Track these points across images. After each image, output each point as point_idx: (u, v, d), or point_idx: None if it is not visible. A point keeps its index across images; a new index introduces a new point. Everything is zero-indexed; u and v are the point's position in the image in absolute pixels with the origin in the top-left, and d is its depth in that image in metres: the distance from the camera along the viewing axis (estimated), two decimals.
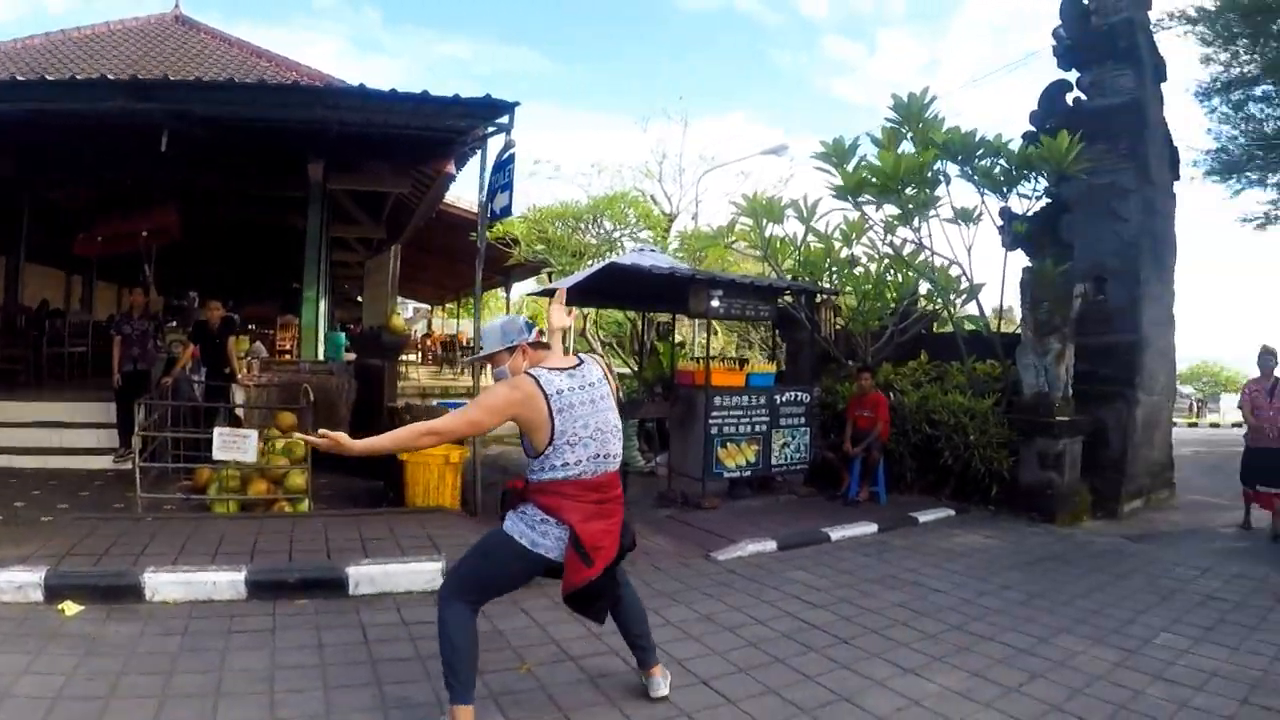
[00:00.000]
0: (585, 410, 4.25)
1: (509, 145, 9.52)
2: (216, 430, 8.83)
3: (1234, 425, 32.60)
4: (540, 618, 6.06)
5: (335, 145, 11.35)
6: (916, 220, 12.55)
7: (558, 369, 4.31)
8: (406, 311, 40.45)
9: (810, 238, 13.79)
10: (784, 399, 11.42)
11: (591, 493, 4.26)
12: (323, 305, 13.26)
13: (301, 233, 12.84)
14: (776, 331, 14.23)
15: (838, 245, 13.72)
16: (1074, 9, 13.14)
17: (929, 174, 12.03)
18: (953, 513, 10.88)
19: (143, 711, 4.33)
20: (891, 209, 12.76)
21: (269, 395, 10.98)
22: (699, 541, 8.81)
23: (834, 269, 13.77)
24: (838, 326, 14.80)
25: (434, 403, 15.94)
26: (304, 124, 10.37)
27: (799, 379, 12.51)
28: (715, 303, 10.69)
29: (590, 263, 17.27)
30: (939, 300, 13.13)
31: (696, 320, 19.29)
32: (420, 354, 32.35)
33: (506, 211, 9.77)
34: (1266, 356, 10.82)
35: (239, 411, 10.74)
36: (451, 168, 13.34)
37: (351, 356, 14.85)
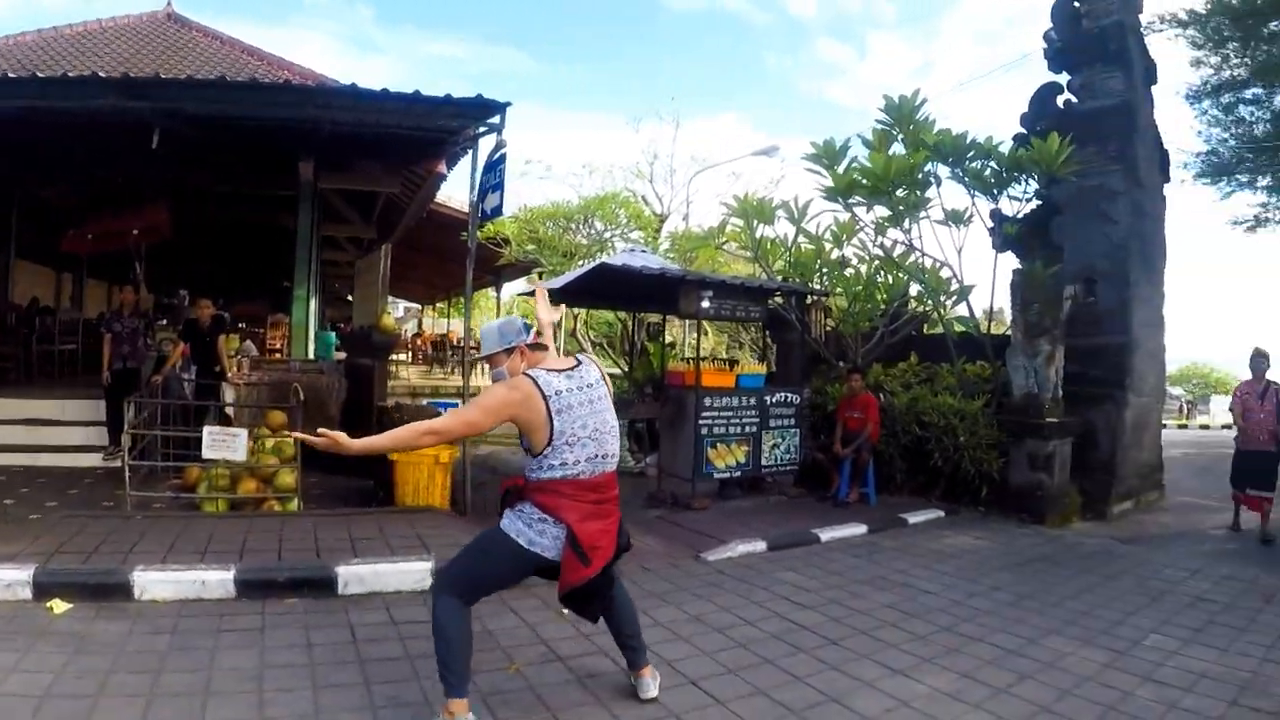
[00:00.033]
0: (583, 411, 4.27)
1: (500, 145, 9.53)
2: (206, 429, 8.83)
3: (1223, 427, 32.74)
4: (530, 618, 6.05)
5: (326, 144, 11.35)
6: (907, 222, 12.54)
7: (556, 370, 4.33)
8: (397, 311, 40.39)
9: (801, 239, 13.78)
10: (774, 400, 11.43)
11: (590, 493, 4.28)
12: (313, 304, 13.23)
13: (292, 232, 12.85)
14: (767, 332, 14.21)
15: (828, 246, 13.71)
16: (1065, 12, 13.16)
17: (920, 176, 12.01)
18: (942, 514, 10.90)
19: (131, 710, 4.33)
20: (882, 210, 12.76)
21: (259, 394, 11.02)
22: (689, 542, 8.81)
23: (824, 270, 13.75)
24: (828, 328, 14.80)
25: (424, 402, 15.92)
26: (295, 123, 10.37)
27: (789, 380, 12.53)
28: (706, 303, 10.70)
29: (581, 263, 17.27)
30: (929, 302, 13.13)
31: (687, 321, 19.29)
32: (411, 353, 32.32)
33: (497, 211, 9.78)
34: (1259, 359, 10.85)
35: (229, 410, 10.71)
36: (443, 167, 13.36)
37: (342, 355, 14.80)
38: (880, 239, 13.34)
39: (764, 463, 11.35)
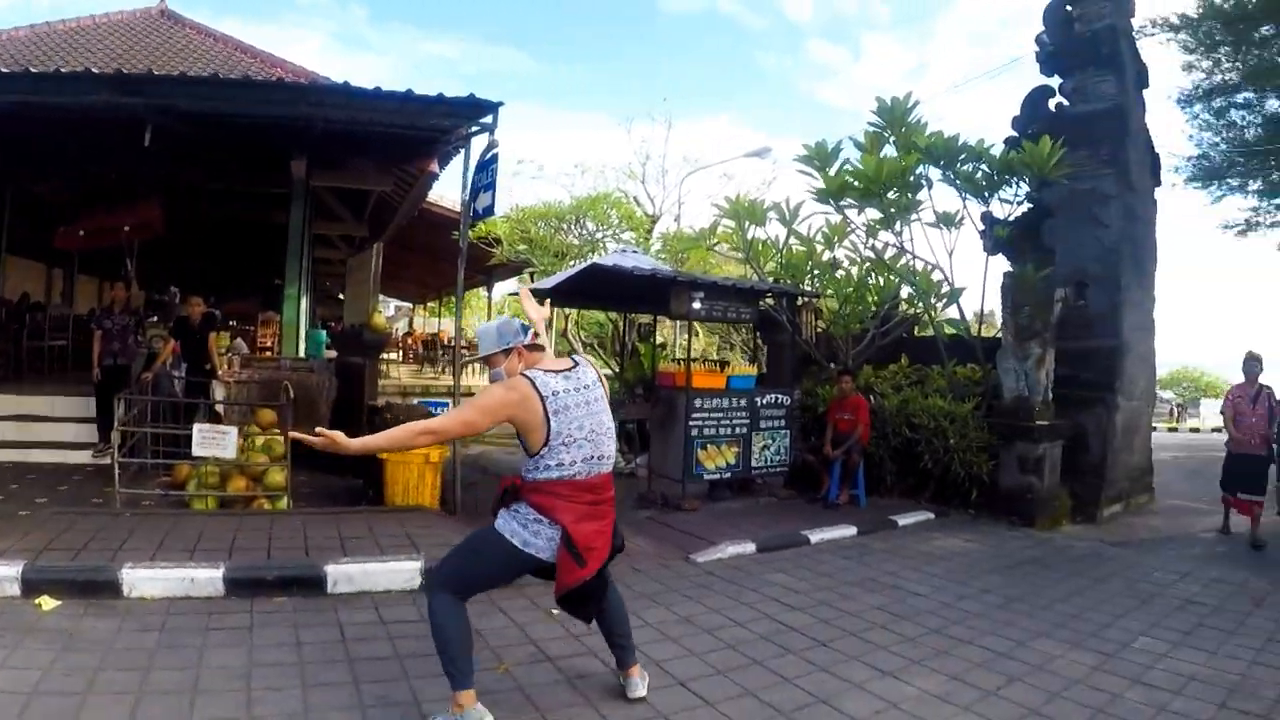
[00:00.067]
0: (580, 412, 4.28)
1: (492, 145, 9.50)
2: (196, 426, 8.80)
3: (1214, 430, 32.77)
4: (519, 618, 6.04)
5: (319, 142, 11.32)
6: (898, 224, 12.55)
7: (553, 371, 4.34)
8: (388, 310, 40.36)
9: (792, 240, 13.77)
10: (764, 401, 11.42)
11: (585, 493, 4.29)
12: (304, 302, 13.24)
13: (284, 229, 12.83)
14: (758, 334, 14.23)
15: (819, 248, 13.71)
16: (1057, 15, 13.19)
17: (911, 178, 12.03)
18: (932, 516, 10.91)
19: (120, 707, 4.32)
20: (873, 212, 12.77)
21: (249, 392, 10.99)
22: (678, 543, 8.79)
23: (815, 272, 13.75)
24: (819, 329, 14.80)
25: (415, 401, 15.89)
26: (288, 120, 10.34)
27: (780, 381, 12.50)
28: (696, 305, 10.68)
29: (573, 263, 17.24)
30: (920, 304, 13.13)
31: (678, 322, 19.31)
32: (401, 352, 32.27)
33: (489, 211, 9.75)
34: (1252, 362, 10.85)
35: (219, 408, 10.66)
36: (435, 166, 13.32)
37: (332, 354, 14.76)
38: (871, 241, 13.36)
39: (754, 464, 11.34)
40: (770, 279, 13.79)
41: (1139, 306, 12.63)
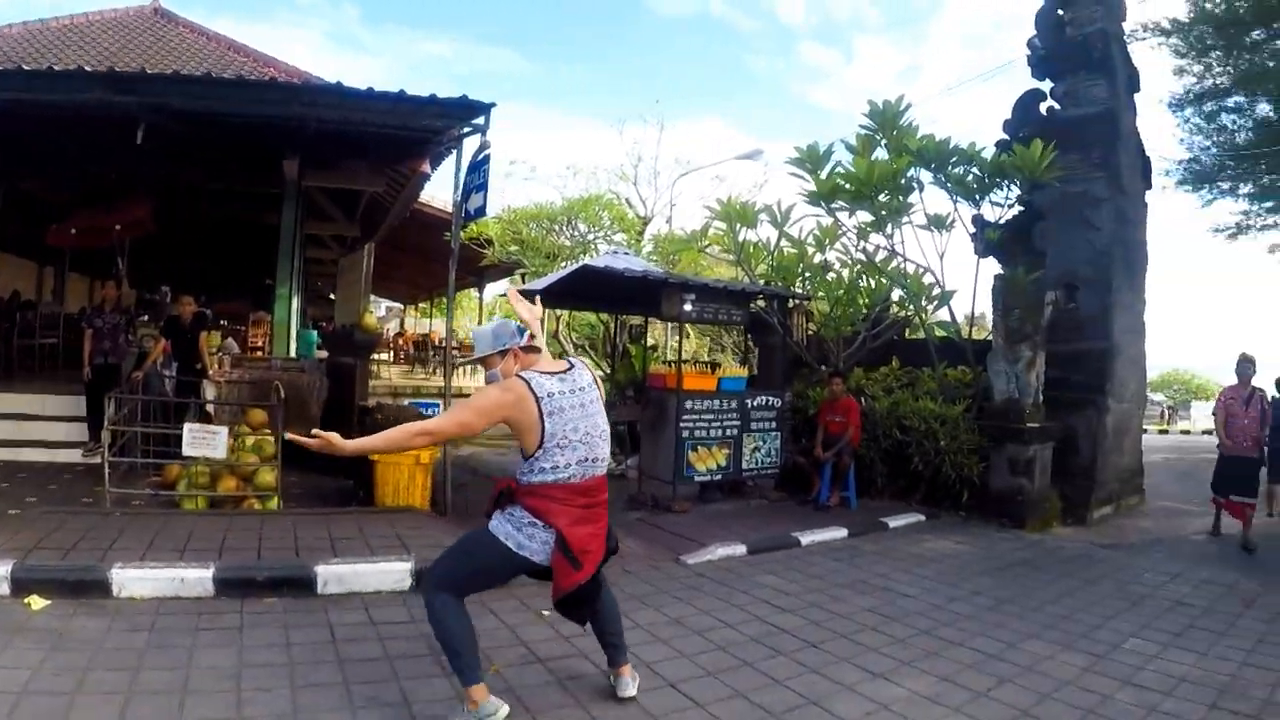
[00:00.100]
0: (575, 414, 4.29)
1: (484, 146, 9.51)
2: (186, 426, 8.81)
3: (1204, 432, 32.86)
4: (509, 619, 6.03)
5: (311, 142, 11.30)
6: (889, 226, 12.57)
7: (549, 373, 4.35)
8: (379, 310, 40.24)
9: (783, 243, 13.79)
10: (755, 403, 11.42)
11: (579, 496, 4.30)
12: (295, 302, 13.21)
13: (276, 229, 12.82)
14: (749, 336, 14.22)
15: (811, 251, 13.73)
16: (1049, 19, 13.21)
17: (902, 181, 12.03)
18: (923, 518, 10.91)
19: (109, 707, 4.31)
20: (865, 215, 12.80)
21: (240, 392, 10.99)
22: (669, 545, 8.79)
23: (807, 274, 13.77)
24: (810, 332, 14.81)
25: (405, 402, 15.90)
26: (281, 120, 10.33)
27: (771, 383, 12.49)
28: (688, 306, 10.69)
29: (564, 264, 17.28)
30: (911, 306, 13.15)
31: (669, 323, 19.29)
32: (392, 353, 32.19)
33: (481, 212, 9.75)
34: (1245, 364, 10.86)
35: (209, 407, 10.64)
36: (427, 167, 13.33)
37: (323, 354, 14.76)
38: (863, 243, 13.40)
39: (745, 466, 11.34)
40: (761, 281, 13.81)
41: (1130, 309, 12.66)
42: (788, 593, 7.27)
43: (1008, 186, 12.33)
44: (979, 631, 6.36)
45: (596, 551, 4.36)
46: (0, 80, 9.23)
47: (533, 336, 4.70)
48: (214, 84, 10.10)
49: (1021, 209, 12.77)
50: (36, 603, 5.73)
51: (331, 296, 28.27)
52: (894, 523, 10.47)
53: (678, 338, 16.12)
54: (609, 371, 16.60)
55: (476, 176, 9.52)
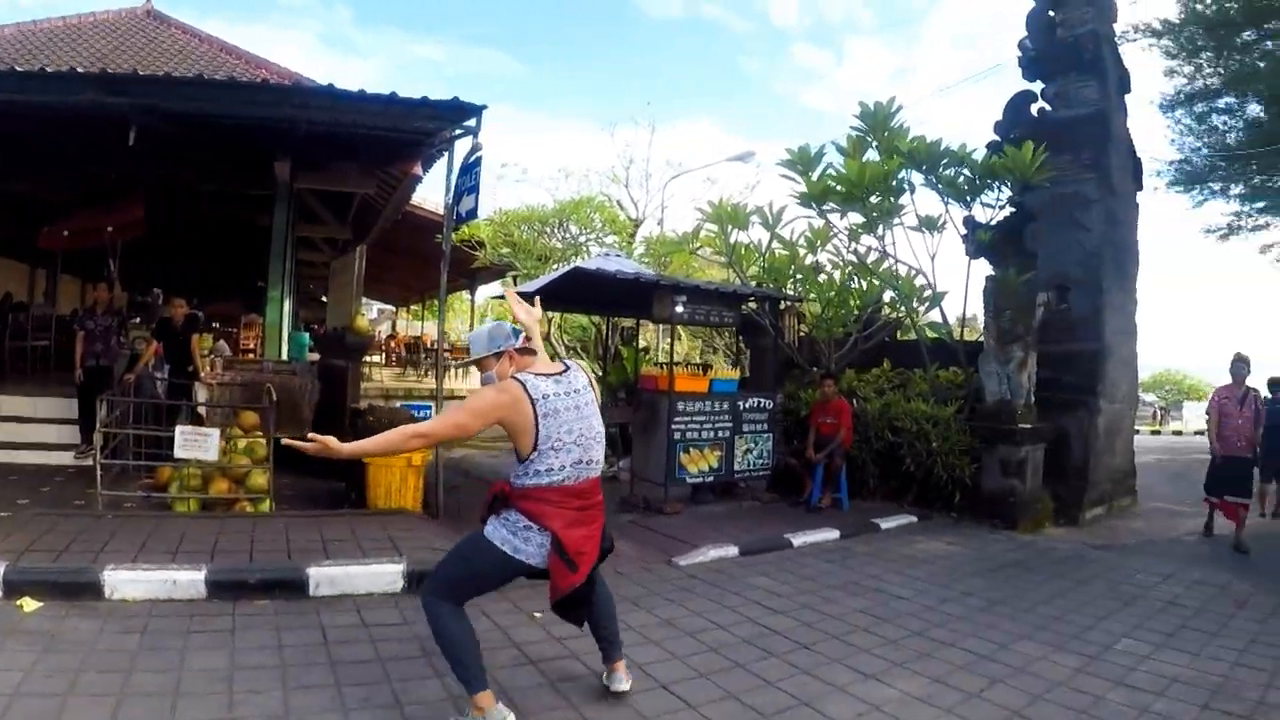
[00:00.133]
0: (570, 416, 4.30)
1: (476, 148, 9.49)
2: (178, 428, 8.78)
3: (1196, 433, 32.90)
4: (501, 621, 6.01)
5: (303, 144, 11.28)
6: (881, 228, 12.59)
7: (544, 374, 4.36)
8: (371, 313, 40.31)
9: (775, 244, 13.77)
10: (747, 405, 11.42)
11: (574, 499, 4.30)
12: (287, 305, 13.20)
13: (267, 231, 12.78)
14: (740, 338, 14.23)
15: (802, 252, 13.71)
16: (1040, 21, 13.25)
17: (894, 182, 12.05)
18: (915, 519, 10.91)
19: (101, 709, 4.30)
20: (856, 217, 12.81)
21: (232, 394, 10.95)
22: (661, 546, 8.77)
23: (798, 276, 13.76)
24: (802, 333, 14.80)
25: (397, 404, 15.87)
26: (272, 122, 10.30)
27: (762, 385, 12.49)
28: (679, 308, 10.68)
29: (556, 267, 17.24)
30: (902, 308, 13.15)
31: (661, 325, 19.26)
32: (384, 355, 32.19)
33: (472, 214, 9.73)
34: (1239, 364, 10.86)
35: (201, 410, 10.63)
36: (418, 169, 13.30)
37: (315, 357, 14.75)
38: (854, 245, 13.38)
39: (737, 468, 11.34)
40: (753, 283, 13.79)
41: (1121, 310, 12.68)
42: (780, 594, 7.26)
43: (999, 188, 12.36)
44: (971, 632, 6.35)
45: (591, 553, 4.36)
46: None
47: (528, 338, 4.70)
48: (206, 85, 10.07)
49: (1013, 210, 12.81)
50: (29, 605, 5.70)
51: (323, 299, 28.25)
52: (886, 524, 10.47)
53: (669, 340, 16.11)
54: (601, 374, 16.60)
55: (468, 179, 9.50)
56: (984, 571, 8.45)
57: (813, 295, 13.71)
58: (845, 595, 7.33)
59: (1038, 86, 13.31)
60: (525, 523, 4.25)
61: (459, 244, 18.01)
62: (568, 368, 4.52)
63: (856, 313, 13.23)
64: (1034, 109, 13.27)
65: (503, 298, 20.31)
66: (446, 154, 10.20)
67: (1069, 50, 12.72)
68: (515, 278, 20.16)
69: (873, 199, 12.08)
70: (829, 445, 11.22)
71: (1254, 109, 22.39)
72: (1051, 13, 13.12)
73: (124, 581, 6.09)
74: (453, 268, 10.79)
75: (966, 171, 12.13)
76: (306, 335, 17.11)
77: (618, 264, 11.82)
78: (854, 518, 10.66)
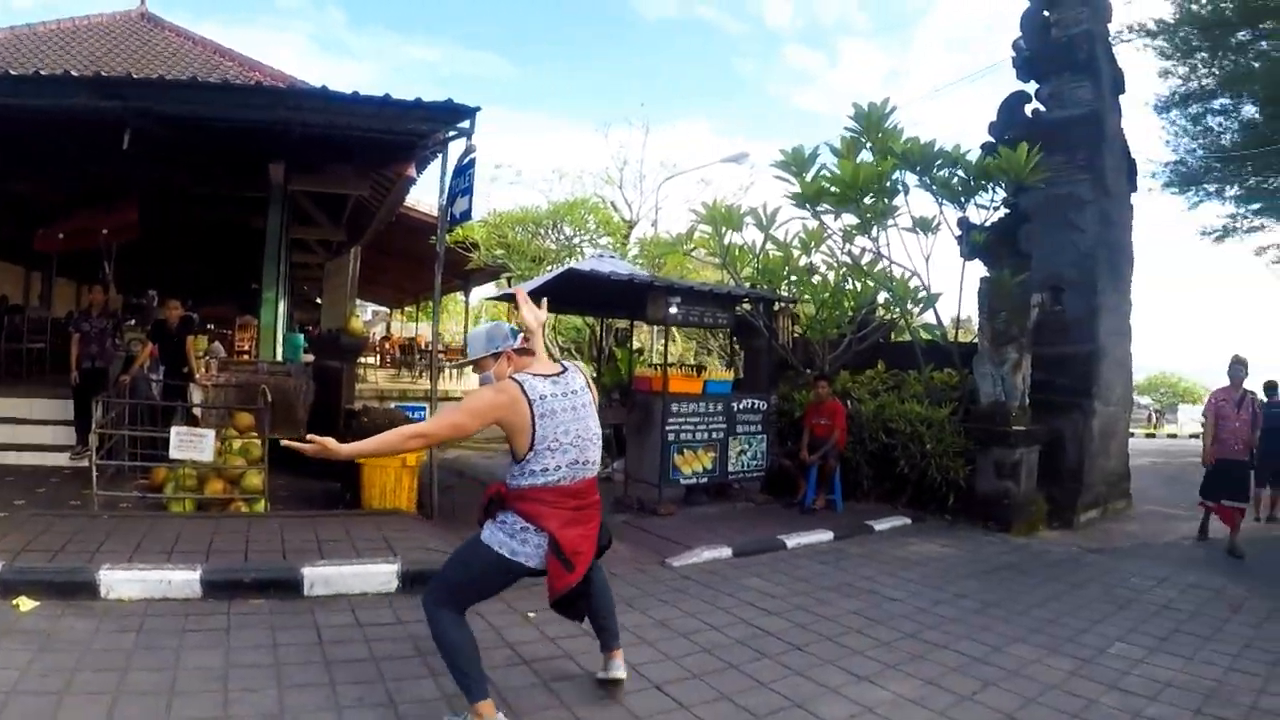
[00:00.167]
0: (567, 417, 4.31)
1: (470, 150, 9.50)
2: (174, 429, 8.84)
3: (1191, 436, 32.88)
4: (495, 621, 6.00)
5: (297, 147, 11.28)
6: (875, 229, 12.57)
7: (542, 375, 4.37)
8: (365, 314, 40.33)
9: (769, 246, 13.77)
10: (741, 406, 11.42)
11: (570, 499, 4.32)
12: (282, 306, 13.19)
13: (262, 233, 12.81)
14: (734, 339, 14.21)
15: (796, 254, 13.72)
16: (1034, 21, 13.23)
17: (888, 183, 12.02)
18: (909, 521, 10.90)
19: (96, 707, 4.32)
20: (850, 218, 12.79)
21: (227, 395, 10.97)
22: (655, 548, 8.77)
23: (792, 277, 13.78)
24: (796, 334, 14.80)
25: (392, 405, 15.86)
26: (266, 125, 10.30)
27: (756, 386, 12.50)
28: (673, 310, 10.68)
29: (549, 268, 17.28)
30: (897, 309, 13.15)
31: (655, 327, 19.27)
32: (379, 357, 32.21)
33: (466, 216, 9.76)
34: (1237, 366, 10.76)
35: (196, 411, 10.64)
36: (412, 171, 13.32)
37: (310, 358, 14.75)
38: (848, 246, 13.39)
39: (731, 469, 11.35)
40: (747, 284, 13.81)
41: (1115, 311, 12.67)
42: (773, 595, 7.26)
43: (993, 189, 12.31)
44: (964, 635, 6.34)
45: (588, 552, 4.38)
46: None
47: (527, 339, 4.71)
48: (199, 88, 10.10)
49: (1007, 211, 12.77)
50: (25, 604, 5.75)
51: (318, 301, 28.20)
52: (880, 526, 10.47)
53: (663, 341, 16.12)
54: (595, 375, 16.60)
55: (462, 180, 9.52)
56: (978, 574, 8.44)
57: (807, 296, 13.72)
58: (839, 597, 7.32)
59: (1032, 87, 13.30)
60: (522, 524, 4.26)
61: (453, 245, 18.05)
62: (565, 369, 4.53)
63: (851, 314, 13.23)
64: (1028, 109, 13.25)
65: (498, 299, 20.45)
66: (440, 156, 10.23)
67: (1063, 50, 12.71)
68: (509, 279, 20.21)
69: (867, 200, 12.06)
70: (823, 447, 11.21)
71: (1249, 110, 22.41)
72: (1046, 13, 13.09)
73: (120, 581, 6.12)
74: (447, 269, 10.81)
75: (961, 172, 12.09)
76: (301, 337, 17.05)
77: (612, 265, 11.84)
78: (848, 519, 10.65)
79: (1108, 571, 8.81)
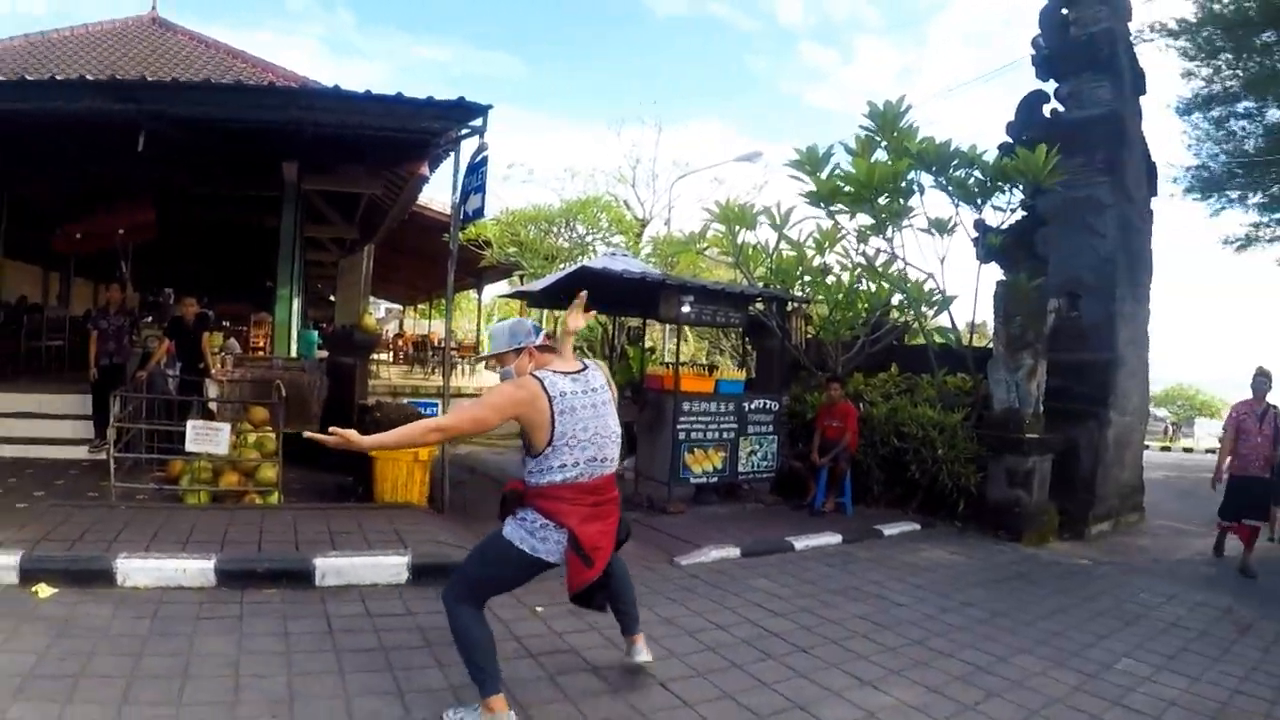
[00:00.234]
0: (586, 414, 4.38)
1: (482, 148, 9.57)
2: (190, 423, 9.05)
3: (1208, 451, 32.57)
4: (504, 615, 6.02)
5: (309, 146, 11.35)
6: (890, 230, 12.48)
7: (562, 372, 4.43)
8: (379, 311, 40.31)
9: (782, 245, 13.72)
10: (753, 406, 11.39)
11: (588, 495, 4.39)
12: (296, 303, 13.33)
13: (276, 232, 12.99)
14: (747, 339, 14.19)
15: (810, 253, 13.65)
16: (1053, 18, 13.12)
17: (903, 183, 11.92)
18: (919, 527, 10.84)
19: (111, 690, 4.45)
20: (865, 218, 12.70)
21: (241, 390, 11.30)
22: (663, 546, 8.79)
23: (806, 277, 13.71)
24: (809, 335, 14.75)
25: (404, 401, 15.86)
26: (279, 125, 10.34)
27: (768, 387, 12.46)
28: (686, 308, 10.66)
29: (562, 266, 17.27)
30: (911, 312, 13.09)
31: (667, 325, 19.24)
32: (392, 353, 32.25)
33: (479, 214, 9.82)
34: (1261, 379, 10.34)
35: (212, 405, 10.78)
36: (425, 170, 13.40)
37: (324, 354, 14.79)
38: (862, 247, 13.30)
39: (741, 469, 11.34)
40: (760, 284, 13.77)
41: (1133, 319, 12.55)
42: (780, 597, 7.26)
43: (1010, 190, 12.20)
44: (970, 643, 6.31)
45: (607, 548, 4.49)
46: (3, 90, 9.30)
47: (550, 336, 4.78)
48: (212, 90, 10.22)
49: (1024, 214, 12.66)
50: (44, 591, 5.90)
51: (331, 298, 28.43)
52: (889, 530, 10.42)
53: (675, 340, 16.08)
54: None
55: (474, 178, 9.58)
56: (986, 582, 8.40)
57: (820, 297, 13.65)
58: (845, 600, 7.31)
59: (1051, 86, 13.19)
60: (542, 521, 4.33)
61: (466, 243, 18.08)
62: (586, 366, 4.61)
63: (864, 315, 13.17)
64: (1047, 109, 13.14)
65: (511, 296, 20.45)
66: (453, 154, 10.27)
67: (1083, 49, 12.59)
68: (522, 277, 20.24)
69: (881, 200, 11.97)
70: (834, 449, 11.16)
71: (1274, 114, 22.18)
72: (1065, 10, 12.96)
73: (136, 570, 6.26)
74: (460, 267, 10.82)
75: (977, 173, 11.99)
76: (315, 333, 17.14)
77: (624, 263, 11.80)
78: (857, 523, 10.62)
79: (1117, 586, 8.74)
